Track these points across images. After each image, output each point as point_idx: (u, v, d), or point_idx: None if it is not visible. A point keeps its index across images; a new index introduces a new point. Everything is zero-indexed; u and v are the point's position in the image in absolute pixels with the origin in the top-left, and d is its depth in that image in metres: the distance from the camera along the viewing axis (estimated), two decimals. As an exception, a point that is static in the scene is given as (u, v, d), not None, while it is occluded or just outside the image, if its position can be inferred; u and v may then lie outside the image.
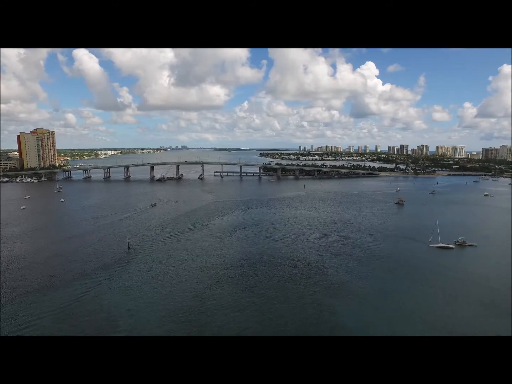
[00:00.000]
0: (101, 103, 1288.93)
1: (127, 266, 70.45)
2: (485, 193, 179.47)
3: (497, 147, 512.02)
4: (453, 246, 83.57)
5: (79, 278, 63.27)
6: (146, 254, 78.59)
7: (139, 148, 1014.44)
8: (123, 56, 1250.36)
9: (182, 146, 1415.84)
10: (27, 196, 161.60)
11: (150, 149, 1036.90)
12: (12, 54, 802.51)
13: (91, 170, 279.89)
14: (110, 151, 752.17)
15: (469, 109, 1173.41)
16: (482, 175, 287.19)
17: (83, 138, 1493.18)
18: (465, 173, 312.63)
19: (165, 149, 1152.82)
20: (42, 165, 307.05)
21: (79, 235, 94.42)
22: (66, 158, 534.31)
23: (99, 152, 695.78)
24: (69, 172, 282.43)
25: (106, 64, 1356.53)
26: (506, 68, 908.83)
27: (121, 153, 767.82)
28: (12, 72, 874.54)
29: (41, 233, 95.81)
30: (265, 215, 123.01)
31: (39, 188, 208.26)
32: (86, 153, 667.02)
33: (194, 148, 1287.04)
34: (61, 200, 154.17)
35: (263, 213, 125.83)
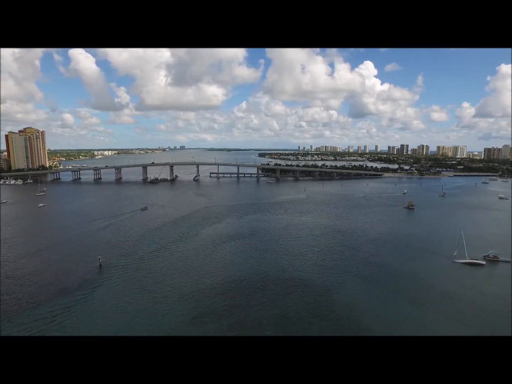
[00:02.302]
0: (98, 103, 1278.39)
1: (92, 292, 57.39)
2: (500, 195, 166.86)
3: (499, 146, 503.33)
4: (483, 263, 70.77)
5: (25, 312, 50.13)
6: (119, 274, 65.59)
7: (137, 149, 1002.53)
8: (120, 56, 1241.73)
9: (180, 146, 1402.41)
10: (4, 201, 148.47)
11: (148, 149, 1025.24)
12: (7, 54, 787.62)
13: (81, 171, 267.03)
14: (107, 151, 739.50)
15: (467, 109, 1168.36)
16: (490, 175, 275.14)
17: (81, 138, 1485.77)
18: (471, 173, 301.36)
19: (164, 150, 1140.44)
20: (30, 166, 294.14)
21: (45, 248, 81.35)
22: (60, 158, 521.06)
23: (95, 153, 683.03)
24: (57, 173, 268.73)
25: (103, 64, 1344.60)
26: (504, 68, 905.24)
27: (118, 153, 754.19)
28: (8, 71, 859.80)
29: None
30: (262, 222, 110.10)
31: (21, 191, 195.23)
32: (82, 154, 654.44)
33: (193, 149, 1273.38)
34: (40, 205, 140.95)
35: (259, 220, 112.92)
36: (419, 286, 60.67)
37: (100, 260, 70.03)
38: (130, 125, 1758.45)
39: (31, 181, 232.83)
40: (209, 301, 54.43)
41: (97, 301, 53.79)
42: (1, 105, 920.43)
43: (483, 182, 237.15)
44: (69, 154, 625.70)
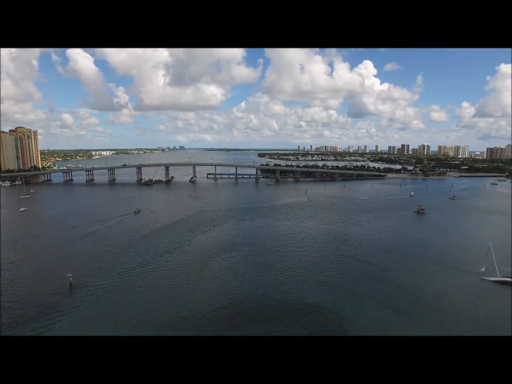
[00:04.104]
0: (97, 103, 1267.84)
1: (52, 326, 47.22)
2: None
3: (501, 146, 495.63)
4: (519, 282, 60.83)
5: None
6: (91, 297, 55.55)
7: (135, 149, 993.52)
8: (118, 55, 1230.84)
9: (180, 146, 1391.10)
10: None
11: (147, 149, 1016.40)
12: (3, 54, 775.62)
13: (74, 172, 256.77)
14: (105, 151, 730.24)
15: (467, 109, 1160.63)
16: (497, 176, 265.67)
17: (80, 138, 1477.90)
18: (476, 174, 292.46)
19: (163, 150, 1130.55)
20: (22, 167, 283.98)
21: (12, 263, 71.10)
22: (56, 159, 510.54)
23: (93, 153, 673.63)
24: (48, 174, 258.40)
25: (101, 64, 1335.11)
26: (504, 68, 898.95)
27: (116, 153, 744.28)
28: (6, 72, 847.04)
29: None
30: (260, 230, 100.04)
31: (7, 193, 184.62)
32: (79, 154, 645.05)
33: (192, 149, 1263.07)
34: (21, 209, 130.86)
35: (257, 227, 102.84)
36: (447, 312, 50.66)
37: (70, 279, 59.97)
38: (129, 125, 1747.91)
39: (20, 182, 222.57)
40: (194, 335, 44.44)
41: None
42: (0, 105, 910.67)
43: (491, 183, 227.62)
44: (67, 155, 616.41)
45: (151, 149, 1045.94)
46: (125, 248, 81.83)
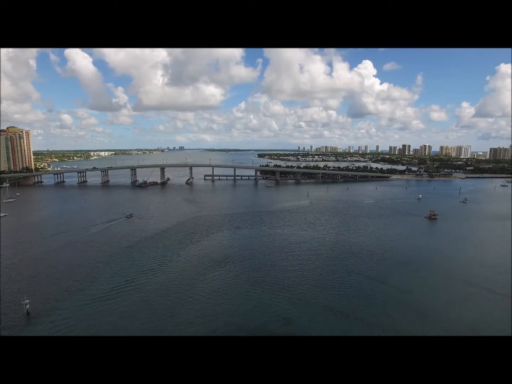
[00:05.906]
0: (96, 103, 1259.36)
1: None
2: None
3: (505, 146, 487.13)
4: None
5: None
6: (51, 331, 45.49)
7: (135, 149, 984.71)
8: (116, 55, 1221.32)
9: (179, 147, 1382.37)
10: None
11: (146, 150, 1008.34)
12: (1, 53, 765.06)
13: (66, 174, 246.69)
14: (103, 152, 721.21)
15: (467, 109, 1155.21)
16: (504, 177, 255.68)
17: (80, 139, 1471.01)
18: (483, 175, 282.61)
19: (162, 150, 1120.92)
20: (13, 168, 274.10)
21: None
22: (53, 159, 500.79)
23: (91, 154, 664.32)
24: (39, 176, 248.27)
25: (100, 64, 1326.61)
26: (503, 68, 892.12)
27: (115, 154, 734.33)
28: (3, 71, 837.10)
29: None
30: (258, 240, 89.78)
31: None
32: (77, 155, 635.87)
33: (192, 149, 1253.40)
34: (0, 214, 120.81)
35: (255, 237, 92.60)
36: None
37: (27, 306, 49.80)
38: (129, 125, 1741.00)
39: (8, 184, 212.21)
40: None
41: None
42: (0, 105, 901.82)
43: (501, 185, 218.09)
44: (64, 155, 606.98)
45: (151, 150, 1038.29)
46: (104, 262, 71.70)
